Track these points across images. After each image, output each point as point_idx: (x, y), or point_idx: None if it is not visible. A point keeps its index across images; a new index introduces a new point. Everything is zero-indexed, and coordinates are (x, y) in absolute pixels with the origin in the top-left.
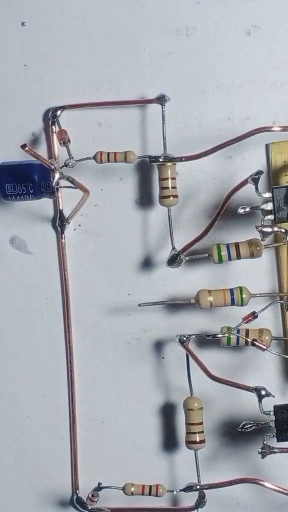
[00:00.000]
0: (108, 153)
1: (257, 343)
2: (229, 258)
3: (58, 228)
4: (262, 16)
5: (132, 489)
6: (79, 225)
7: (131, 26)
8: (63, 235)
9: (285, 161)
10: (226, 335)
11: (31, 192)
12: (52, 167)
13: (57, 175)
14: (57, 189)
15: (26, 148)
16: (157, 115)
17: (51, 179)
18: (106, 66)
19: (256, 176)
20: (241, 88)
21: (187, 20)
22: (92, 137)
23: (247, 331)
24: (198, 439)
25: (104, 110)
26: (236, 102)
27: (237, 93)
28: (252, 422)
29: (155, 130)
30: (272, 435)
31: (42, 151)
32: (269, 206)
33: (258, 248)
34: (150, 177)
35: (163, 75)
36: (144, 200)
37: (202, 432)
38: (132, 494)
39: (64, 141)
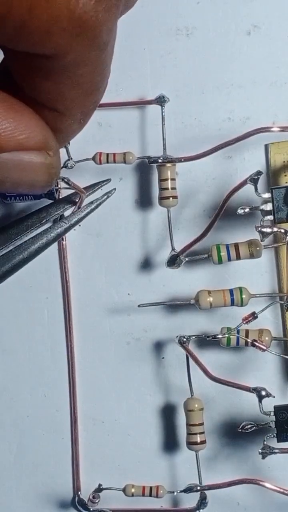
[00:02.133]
0: (107, 154)
1: (257, 344)
2: (229, 259)
3: None
4: (262, 16)
5: (133, 490)
6: (79, 225)
7: (131, 26)
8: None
9: (284, 162)
10: (226, 335)
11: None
12: None
13: None
14: (56, 190)
15: None
16: (157, 115)
17: None
18: None
19: (255, 177)
20: (241, 88)
21: (187, 20)
22: (92, 136)
23: (247, 331)
24: (199, 440)
25: (103, 111)
26: (236, 102)
27: (237, 93)
28: (253, 423)
29: (155, 130)
30: (272, 436)
31: None
32: (268, 207)
33: (257, 248)
34: (150, 177)
35: (163, 75)
36: (144, 200)
37: (203, 433)
38: (132, 495)
39: None
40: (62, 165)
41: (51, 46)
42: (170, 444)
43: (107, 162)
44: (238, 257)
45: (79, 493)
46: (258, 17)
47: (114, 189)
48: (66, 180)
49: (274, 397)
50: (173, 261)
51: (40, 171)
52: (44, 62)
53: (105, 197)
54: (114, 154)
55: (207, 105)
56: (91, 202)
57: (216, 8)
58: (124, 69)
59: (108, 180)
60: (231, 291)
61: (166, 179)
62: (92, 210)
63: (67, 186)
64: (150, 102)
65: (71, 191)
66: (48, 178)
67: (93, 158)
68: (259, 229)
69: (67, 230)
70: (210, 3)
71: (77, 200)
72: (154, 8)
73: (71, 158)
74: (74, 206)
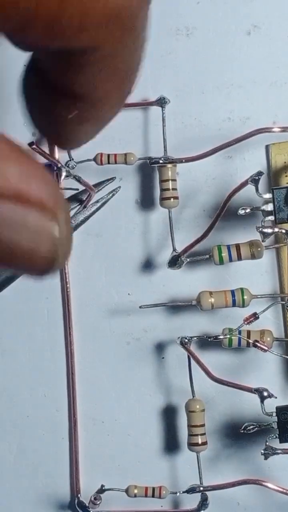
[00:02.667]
0: (108, 155)
1: (258, 344)
2: (230, 260)
3: None
4: (262, 16)
5: (135, 491)
6: None
7: None
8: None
9: (285, 162)
10: (228, 336)
11: None
12: (59, 165)
13: (64, 173)
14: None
15: (34, 146)
16: (158, 116)
17: (56, 178)
18: None
19: (256, 177)
20: (241, 88)
21: (187, 20)
22: None
23: (248, 332)
24: (200, 441)
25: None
26: (236, 102)
27: (237, 93)
28: (255, 424)
29: (156, 130)
30: (274, 436)
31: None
32: (269, 207)
33: (259, 249)
34: (150, 178)
35: (163, 75)
36: (145, 201)
37: (204, 434)
38: (135, 496)
39: None
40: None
41: (86, 40)
42: (170, 444)
43: (108, 163)
44: (239, 258)
45: (79, 495)
46: (258, 17)
47: (119, 187)
48: (77, 177)
49: (276, 398)
50: (174, 262)
51: (42, 235)
52: (80, 56)
53: (111, 195)
54: (115, 155)
55: (207, 105)
56: (97, 201)
57: (216, 8)
58: None
59: (113, 179)
60: (232, 292)
61: (167, 180)
62: (98, 209)
63: (72, 187)
64: (151, 104)
65: (74, 191)
66: (52, 247)
67: (94, 159)
68: (260, 229)
69: (74, 229)
70: (210, 3)
71: (84, 199)
72: (154, 8)
73: (72, 159)
74: (79, 205)
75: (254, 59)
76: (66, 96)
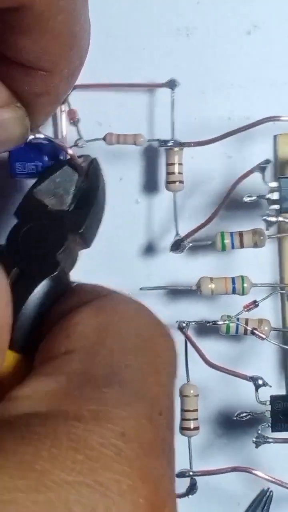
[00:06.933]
0: (118, 135)
1: (257, 332)
2: (232, 247)
3: None
4: (262, 16)
5: None
6: None
7: (131, 26)
8: None
9: None
10: (226, 322)
11: (40, 171)
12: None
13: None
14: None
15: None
16: (161, 106)
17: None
18: (106, 66)
19: (263, 165)
20: (241, 88)
21: (187, 20)
22: (92, 133)
23: (246, 320)
24: (192, 426)
25: (104, 108)
26: (236, 102)
27: (237, 93)
28: (248, 411)
29: (160, 115)
30: (267, 425)
31: (49, 131)
32: (275, 196)
33: (261, 237)
34: (150, 174)
35: (163, 75)
36: (144, 198)
37: (196, 419)
38: None
39: (74, 121)
40: (73, 144)
41: None
42: None
43: (118, 142)
44: (242, 246)
45: None
46: (258, 17)
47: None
48: (49, 137)
49: (270, 386)
50: (177, 246)
51: (15, 125)
52: (16, 17)
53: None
54: (125, 135)
55: (207, 105)
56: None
57: (216, 8)
58: (124, 69)
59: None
60: (233, 279)
61: (174, 164)
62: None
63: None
64: (160, 85)
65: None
66: (23, 129)
67: (104, 138)
68: (264, 218)
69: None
70: (210, 3)
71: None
72: (154, 8)
73: (82, 137)
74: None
75: (254, 59)
76: (16, 65)
